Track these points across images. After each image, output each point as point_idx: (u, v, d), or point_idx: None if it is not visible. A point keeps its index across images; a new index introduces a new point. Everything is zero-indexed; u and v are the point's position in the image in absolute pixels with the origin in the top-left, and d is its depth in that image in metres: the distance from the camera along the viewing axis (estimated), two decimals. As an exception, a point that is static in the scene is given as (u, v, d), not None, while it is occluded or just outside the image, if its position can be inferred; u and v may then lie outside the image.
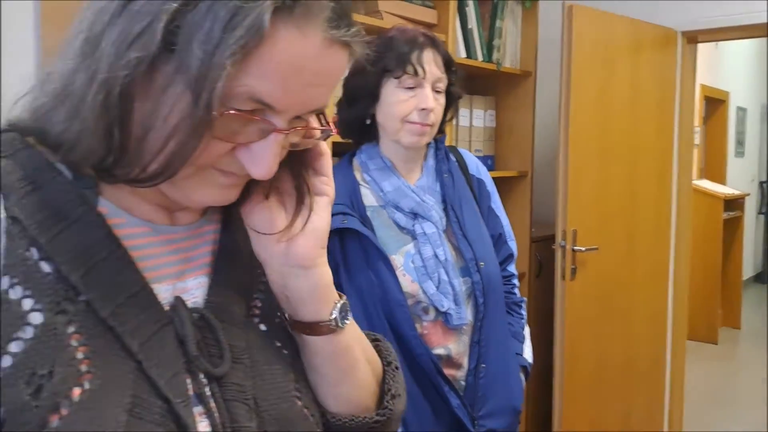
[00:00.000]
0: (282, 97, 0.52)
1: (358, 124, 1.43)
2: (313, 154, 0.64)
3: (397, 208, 1.40)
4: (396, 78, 1.36)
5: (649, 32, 2.86)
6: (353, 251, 1.34)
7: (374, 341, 0.76)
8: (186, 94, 0.49)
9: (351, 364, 0.67)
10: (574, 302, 2.63)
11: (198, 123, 0.49)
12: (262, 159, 0.54)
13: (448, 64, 1.42)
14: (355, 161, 1.47)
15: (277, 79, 0.51)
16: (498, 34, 2.69)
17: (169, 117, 0.50)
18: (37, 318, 0.50)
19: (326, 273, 0.65)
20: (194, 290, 0.61)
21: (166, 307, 0.57)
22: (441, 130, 1.48)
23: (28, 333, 0.49)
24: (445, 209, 1.45)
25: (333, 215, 1.34)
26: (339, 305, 0.65)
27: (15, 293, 0.49)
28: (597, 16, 2.65)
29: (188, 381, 0.56)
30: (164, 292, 0.58)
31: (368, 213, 1.39)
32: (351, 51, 0.56)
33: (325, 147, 0.65)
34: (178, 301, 0.58)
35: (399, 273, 1.36)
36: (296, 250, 0.62)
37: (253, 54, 0.49)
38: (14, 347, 0.48)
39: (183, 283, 0.60)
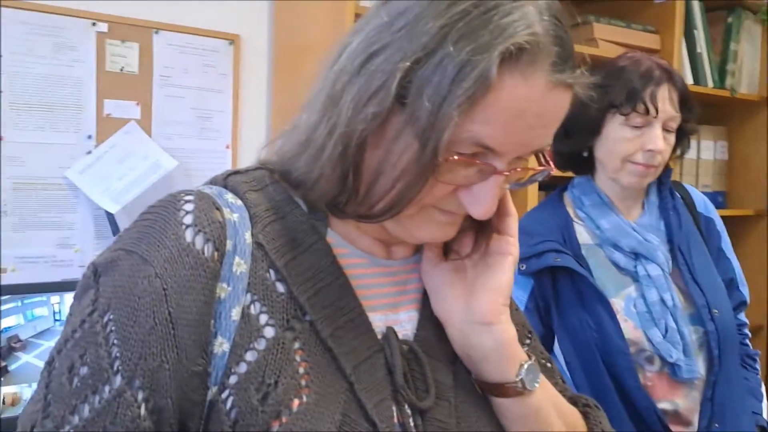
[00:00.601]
0: (504, 141, 0.53)
1: (574, 156, 1.37)
2: (499, 214, 0.64)
3: (616, 247, 1.31)
4: (623, 115, 1.27)
5: None
6: (566, 291, 1.28)
7: (584, 407, 0.72)
8: (414, 143, 0.52)
9: (543, 429, 0.64)
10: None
11: (423, 169, 0.52)
12: (483, 200, 0.56)
13: (685, 101, 1.30)
14: (567, 196, 1.41)
15: (501, 123, 0.52)
16: (732, 57, 2.44)
17: (397, 163, 0.54)
18: (269, 332, 0.55)
19: (509, 330, 0.63)
20: (405, 323, 0.63)
21: (378, 336, 0.60)
22: (668, 165, 1.37)
23: (262, 345, 0.54)
24: (671, 250, 1.33)
25: (544, 252, 1.32)
26: (526, 366, 0.63)
27: (254, 309, 0.55)
28: None
29: (394, 409, 0.58)
30: (378, 321, 0.61)
31: (583, 251, 1.31)
32: (574, 91, 0.56)
33: (512, 208, 0.65)
34: (390, 332, 0.61)
35: (620, 318, 1.26)
36: (477, 306, 0.62)
37: (478, 102, 0.51)
38: (249, 356, 0.54)
39: (395, 314, 0.63)
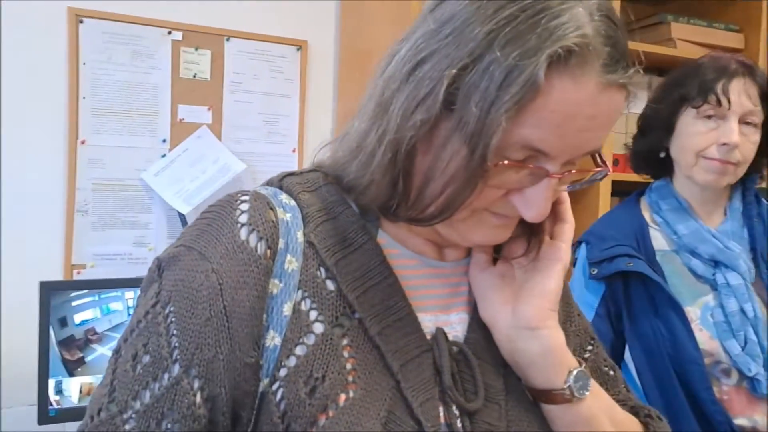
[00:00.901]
0: (555, 144, 0.53)
1: (650, 158, 1.32)
2: (554, 220, 0.63)
3: (694, 254, 1.25)
4: (695, 108, 1.22)
5: None
6: (639, 297, 1.23)
7: (646, 417, 0.69)
8: (463, 149, 0.52)
9: None
10: None
11: (472, 174, 0.52)
12: (535, 203, 0.56)
13: (767, 95, 1.23)
14: (644, 201, 1.36)
15: (551, 127, 0.51)
16: (824, 55, 2.29)
17: (446, 169, 0.54)
18: (318, 328, 0.56)
19: (557, 336, 0.61)
20: (456, 325, 0.63)
21: (428, 336, 0.60)
22: (756, 170, 1.29)
23: (311, 340, 0.55)
24: (753, 259, 1.26)
25: (616, 257, 1.28)
26: (575, 373, 0.61)
27: (305, 305, 0.56)
28: None
29: (440, 409, 0.58)
30: (427, 322, 0.61)
31: (657, 257, 1.26)
32: (628, 91, 0.55)
33: (569, 215, 0.65)
34: (439, 332, 0.60)
35: (694, 327, 1.20)
36: (523, 311, 0.61)
37: (527, 107, 0.50)
38: (299, 350, 0.55)
39: (446, 316, 0.63)
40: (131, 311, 1.50)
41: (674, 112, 1.25)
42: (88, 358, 1.46)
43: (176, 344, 0.52)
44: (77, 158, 1.66)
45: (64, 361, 1.44)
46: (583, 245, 1.32)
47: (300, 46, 1.90)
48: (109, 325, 1.48)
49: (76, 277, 1.65)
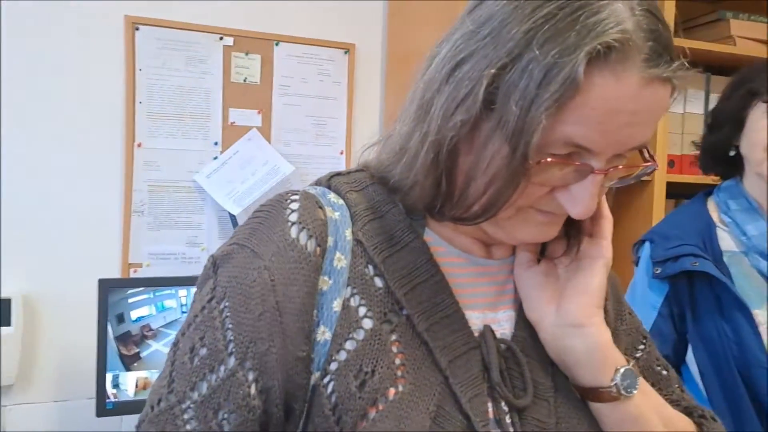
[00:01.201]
0: (598, 140, 0.52)
1: (719, 156, 1.28)
2: (592, 217, 0.63)
3: (764, 255, 1.22)
4: (765, 102, 1.18)
5: None
6: (704, 298, 1.20)
7: (700, 417, 0.68)
8: (504, 147, 0.52)
9: None
10: None
11: (515, 172, 0.53)
12: (581, 199, 0.56)
13: None
14: (711, 200, 1.32)
15: (593, 123, 0.51)
16: None
17: (488, 168, 0.54)
18: (368, 324, 0.57)
19: (603, 333, 0.61)
20: (503, 322, 0.63)
21: (476, 333, 0.60)
22: None
23: (360, 335, 0.56)
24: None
25: (681, 256, 1.25)
26: (622, 371, 0.60)
27: (354, 301, 0.58)
28: None
29: (489, 405, 0.58)
30: (475, 319, 0.61)
31: (725, 258, 1.22)
32: (673, 85, 0.54)
33: (607, 210, 0.64)
34: (487, 330, 0.61)
35: (762, 330, 1.16)
36: (567, 308, 0.61)
37: (568, 104, 0.50)
38: (349, 345, 0.56)
39: (494, 314, 0.63)
40: (184, 309, 1.55)
41: (744, 108, 1.21)
42: (143, 354, 1.51)
43: (231, 338, 0.55)
44: (134, 161, 1.72)
45: (121, 356, 1.49)
46: (647, 244, 1.29)
47: (347, 49, 1.92)
48: (164, 322, 1.53)
49: (132, 276, 1.71)
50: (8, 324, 1.54)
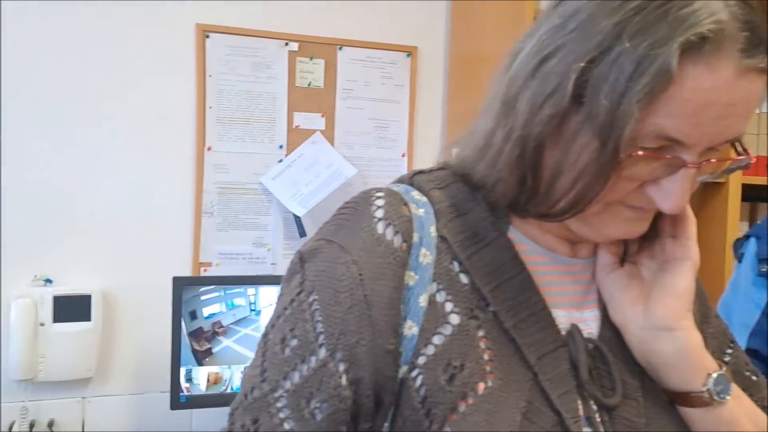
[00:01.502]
0: (691, 132, 0.51)
1: None
2: (675, 218, 0.62)
3: None
4: None
5: None
6: None
7: None
8: (594, 141, 0.52)
9: None
10: None
11: (604, 166, 0.52)
12: (672, 194, 0.55)
13: None
14: None
15: (686, 115, 0.50)
16: None
17: (577, 162, 0.54)
18: (454, 319, 0.58)
19: (693, 337, 0.59)
20: (590, 321, 0.63)
21: (562, 332, 0.60)
22: None
23: (448, 330, 0.57)
24: None
25: None
26: (715, 376, 0.59)
27: (440, 297, 0.58)
28: None
29: (578, 403, 0.58)
30: (561, 318, 0.61)
31: None
32: None
33: (689, 211, 0.63)
34: (574, 328, 0.61)
35: None
36: (656, 311, 0.59)
37: (659, 96, 0.49)
38: (436, 340, 0.57)
39: (580, 313, 0.63)
40: (253, 307, 1.59)
41: None
42: (215, 350, 1.56)
43: (321, 330, 0.56)
44: (204, 164, 1.78)
45: (194, 351, 1.55)
46: (752, 240, 1.25)
47: (410, 52, 1.94)
48: (234, 319, 1.58)
49: (202, 274, 1.77)
50: (88, 319, 1.62)
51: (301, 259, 0.61)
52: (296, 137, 1.85)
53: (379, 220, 0.59)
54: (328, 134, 1.88)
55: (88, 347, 1.63)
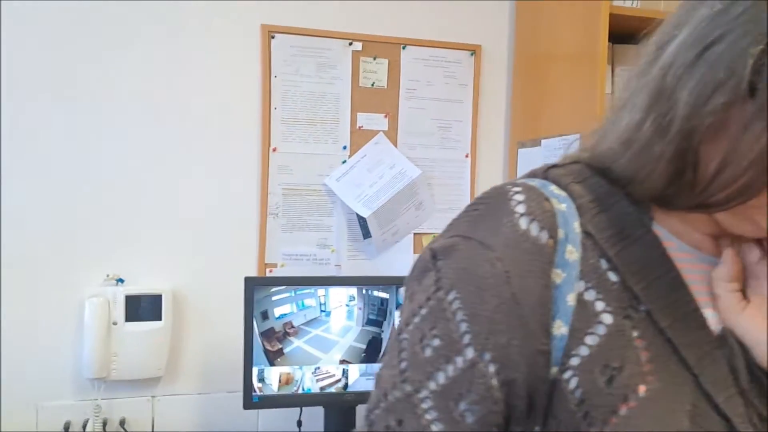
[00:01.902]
0: None
1: None
2: None
3: None
4: None
5: None
6: None
7: None
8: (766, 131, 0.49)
9: None
10: None
11: None
12: None
13: None
14: None
15: None
16: None
17: (747, 154, 0.51)
18: (607, 319, 0.55)
19: None
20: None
21: (714, 333, 0.57)
22: None
23: (601, 330, 0.55)
24: None
25: None
26: None
27: (589, 295, 0.56)
28: None
29: (743, 408, 0.55)
30: (710, 318, 0.58)
31: None
32: None
33: None
34: (727, 332, 0.58)
35: None
36: None
37: None
38: (589, 340, 0.55)
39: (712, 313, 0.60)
40: (323, 308, 1.58)
41: None
42: (286, 350, 1.56)
43: (466, 329, 0.54)
44: (269, 165, 1.78)
45: (266, 352, 1.54)
46: None
47: (473, 50, 1.92)
48: (304, 320, 1.57)
49: (268, 275, 1.77)
50: (159, 318, 1.63)
51: (434, 257, 0.58)
52: (359, 138, 1.84)
53: (522, 215, 0.57)
54: (391, 135, 1.87)
55: (159, 346, 1.64)
